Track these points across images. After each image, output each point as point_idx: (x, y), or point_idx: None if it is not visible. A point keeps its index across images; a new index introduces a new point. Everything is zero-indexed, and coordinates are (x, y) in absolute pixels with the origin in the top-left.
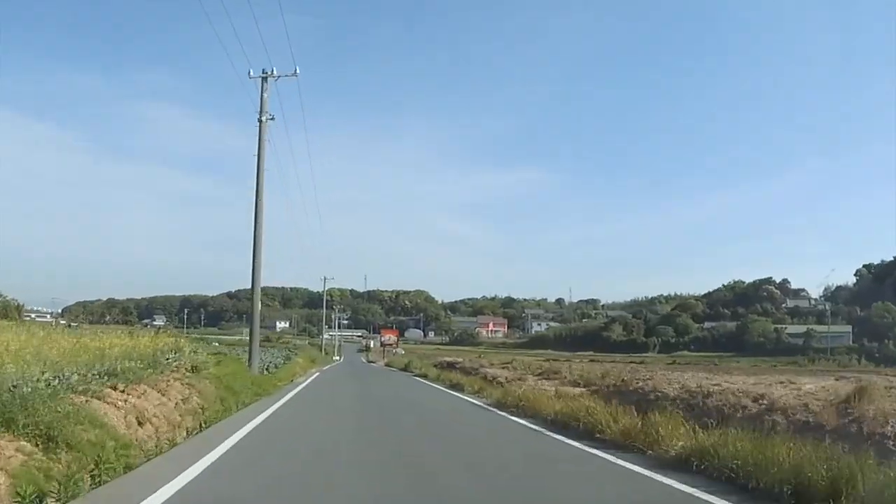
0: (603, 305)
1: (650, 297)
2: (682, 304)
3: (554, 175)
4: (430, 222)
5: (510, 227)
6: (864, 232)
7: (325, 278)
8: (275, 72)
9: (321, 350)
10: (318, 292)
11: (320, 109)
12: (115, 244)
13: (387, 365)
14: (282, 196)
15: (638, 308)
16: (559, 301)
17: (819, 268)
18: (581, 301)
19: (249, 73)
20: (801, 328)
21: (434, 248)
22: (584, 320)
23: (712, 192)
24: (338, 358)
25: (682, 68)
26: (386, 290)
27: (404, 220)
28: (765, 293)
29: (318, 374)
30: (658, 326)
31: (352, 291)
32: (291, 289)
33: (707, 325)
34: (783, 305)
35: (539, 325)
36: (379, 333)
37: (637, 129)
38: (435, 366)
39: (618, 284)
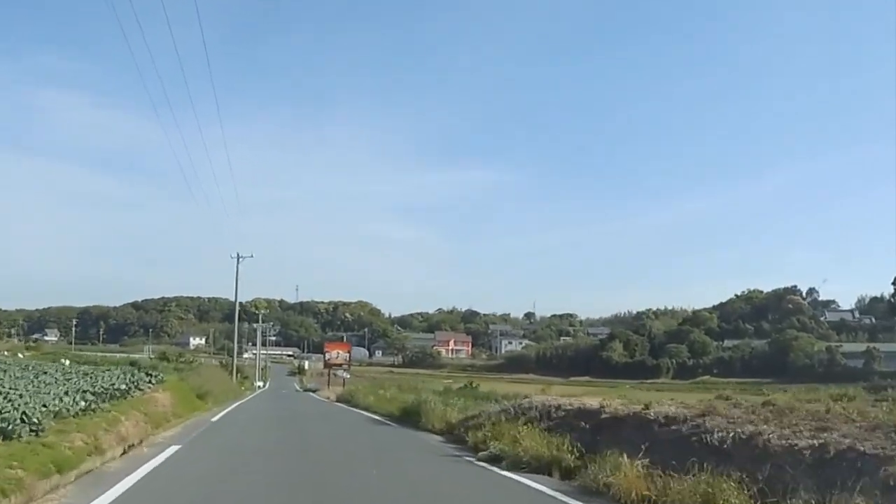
0: (581, 321)
1: (636, 311)
2: (692, 317)
3: (513, 175)
4: (372, 226)
5: (465, 233)
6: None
7: (237, 256)
8: None
9: (233, 374)
10: (240, 304)
11: (242, 96)
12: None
13: (340, 400)
14: (197, 196)
15: (621, 324)
16: (528, 316)
17: (813, 277)
18: (554, 316)
19: None
20: (859, 346)
21: (378, 255)
22: (562, 338)
23: (692, 193)
24: (261, 384)
25: (656, 51)
26: (321, 302)
27: (342, 222)
28: (789, 305)
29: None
30: (668, 345)
31: (281, 303)
32: (209, 299)
33: (728, 342)
34: (822, 319)
35: (510, 343)
36: (323, 353)
37: (606, 123)
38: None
39: (592, 297)
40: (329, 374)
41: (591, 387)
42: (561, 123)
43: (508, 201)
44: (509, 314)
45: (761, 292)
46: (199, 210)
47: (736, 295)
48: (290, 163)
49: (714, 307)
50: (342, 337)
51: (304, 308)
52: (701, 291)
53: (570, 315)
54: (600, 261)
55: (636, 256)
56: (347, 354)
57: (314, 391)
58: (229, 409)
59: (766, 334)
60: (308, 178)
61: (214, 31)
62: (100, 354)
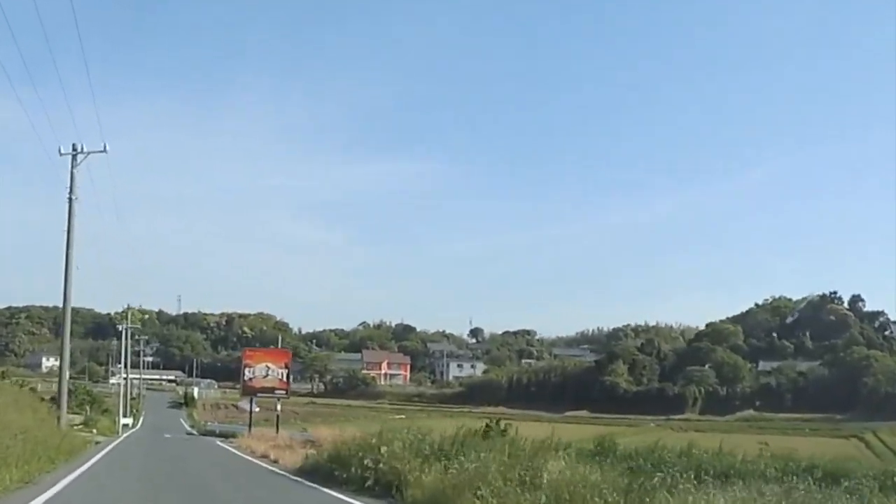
0: (540, 340)
1: (609, 328)
2: (709, 333)
3: (449, 166)
4: (275, 226)
5: (389, 235)
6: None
7: (72, 152)
8: None
9: (59, 409)
10: (108, 315)
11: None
12: None
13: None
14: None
15: (591, 343)
16: (475, 333)
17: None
18: (507, 333)
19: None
20: None
21: (282, 260)
22: (525, 361)
23: (667, 191)
24: (128, 422)
25: (618, 23)
26: (212, 314)
27: (238, 221)
28: (831, 316)
29: None
30: (688, 368)
31: (160, 314)
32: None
33: (765, 364)
34: (888, 334)
35: (460, 366)
36: (241, 368)
37: (562, 104)
38: None
39: (548, 312)
40: (251, 407)
41: (602, 425)
42: (508, 105)
43: (444, 198)
44: (445, 331)
45: (790, 300)
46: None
47: (756, 304)
48: (177, 151)
49: (732, 318)
50: (241, 358)
51: (189, 321)
52: (682, 303)
53: (528, 332)
54: (557, 269)
55: (599, 264)
56: (285, 371)
57: (226, 438)
58: None
59: (810, 353)
60: (197, 170)
61: None
62: None
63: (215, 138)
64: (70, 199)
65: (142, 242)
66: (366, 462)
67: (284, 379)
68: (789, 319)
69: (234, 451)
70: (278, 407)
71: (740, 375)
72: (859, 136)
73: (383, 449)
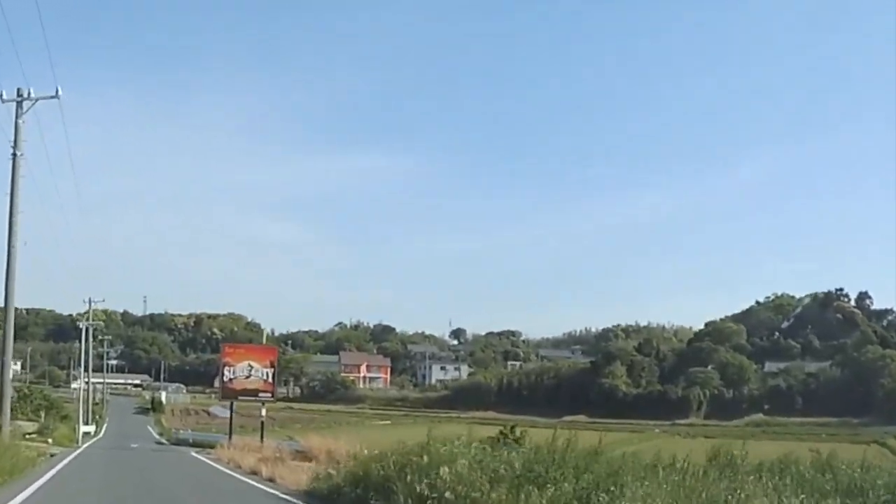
0: (526, 340)
1: (597, 329)
2: (710, 333)
3: (425, 162)
4: (244, 224)
5: (365, 233)
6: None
7: (16, 99)
8: None
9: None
10: (69, 316)
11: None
12: None
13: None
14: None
15: (578, 344)
16: (457, 334)
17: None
18: (491, 335)
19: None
20: None
21: (253, 260)
22: (511, 363)
23: (646, 188)
24: (91, 430)
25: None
26: (179, 314)
27: (206, 219)
28: (838, 314)
29: None
30: (690, 370)
31: (125, 315)
32: (28, 311)
33: (771, 365)
34: None
35: (443, 368)
36: (220, 368)
37: (541, 97)
38: None
39: (532, 313)
40: (231, 412)
41: (604, 431)
42: (485, 96)
43: (421, 195)
44: (424, 332)
45: (793, 298)
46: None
47: (757, 302)
48: (140, 146)
49: (733, 316)
50: (209, 361)
51: (155, 322)
52: (674, 304)
53: (512, 333)
54: (541, 269)
55: (584, 263)
56: (270, 371)
57: (202, 448)
58: None
59: (819, 354)
60: (161, 165)
61: None
62: None
63: (180, 132)
64: (14, 154)
65: (105, 241)
66: (419, 488)
67: (270, 380)
68: (790, 318)
69: (215, 465)
70: (263, 412)
71: (746, 377)
72: (861, 130)
73: (443, 470)
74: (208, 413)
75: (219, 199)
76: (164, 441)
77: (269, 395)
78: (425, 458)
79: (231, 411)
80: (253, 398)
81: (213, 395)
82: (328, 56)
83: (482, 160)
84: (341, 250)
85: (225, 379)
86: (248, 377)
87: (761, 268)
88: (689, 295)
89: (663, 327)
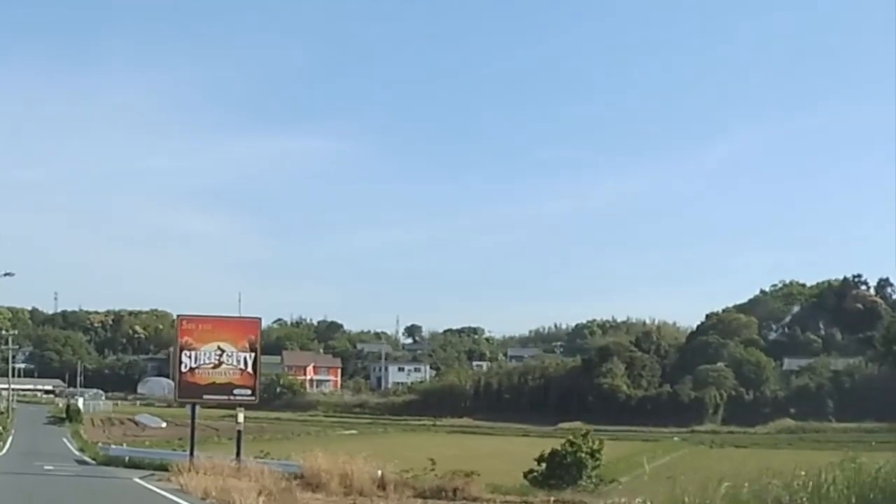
0: (489, 339)
1: (569, 325)
2: (715, 325)
3: (362, 143)
4: (163, 214)
5: (296, 223)
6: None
7: None
8: None
9: None
10: None
11: None
12: None
13: None
14: None
15: (547, 342)
16: (412, 331)
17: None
18: (450, 332)
19: None
20: None
21: (176, 253)
22: (476, 363)
23: (605, 173)
24: None
25: None
26: (96, 312)
27: (121, 209)
28: (858, 304)
29: None
30: (702, 369)
31: (34, 313)
32: None
33: (791, 362)
34: None
35: (401, 369)
36: (173, 358)
37: (494, 68)
38: None
39: (491, 308)
40: (192, 418)
41: (614, 440)
42: (429, 69)
43: (356, 180)
44: (373, 330)
45: (803, 286)
46: None
47: (762, 291)
48: (46, 127)
49: (738, 306)
50: (131, 363)
51: (68, 321)
52: (649, 298)
53: (474, 331)
54: (497, 261)
55: (541, 253)
56: (251, 355)
57: (150, 472)
58: None
59: (844, 349)
60: (67, 149)
61: None
62: None
63: (85, 112)
64: None
65: (8, 231)
66: None
67: (250, 369)
68: (797, 308)
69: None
70: (240, 418)
71: (765, 376)
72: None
73: None
74: (136, 423)
75: (131, 188)
76: (88, 460)
77: (250, 392)
78: None
79: (193, 417)
80: (225, 398)
81: (137, 402)
82: (251, 27)
83: (421, 142)
84: (270, 242)
85: (183, 369)
86: (216, 366)
87: (743, 257)
88: (660, 287)
89: (643, 322)
